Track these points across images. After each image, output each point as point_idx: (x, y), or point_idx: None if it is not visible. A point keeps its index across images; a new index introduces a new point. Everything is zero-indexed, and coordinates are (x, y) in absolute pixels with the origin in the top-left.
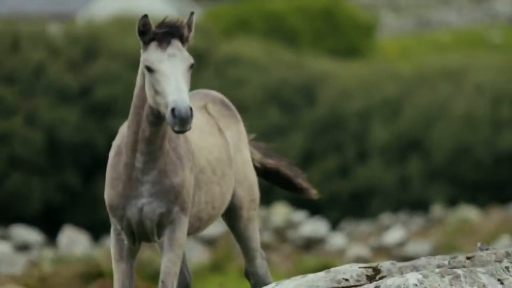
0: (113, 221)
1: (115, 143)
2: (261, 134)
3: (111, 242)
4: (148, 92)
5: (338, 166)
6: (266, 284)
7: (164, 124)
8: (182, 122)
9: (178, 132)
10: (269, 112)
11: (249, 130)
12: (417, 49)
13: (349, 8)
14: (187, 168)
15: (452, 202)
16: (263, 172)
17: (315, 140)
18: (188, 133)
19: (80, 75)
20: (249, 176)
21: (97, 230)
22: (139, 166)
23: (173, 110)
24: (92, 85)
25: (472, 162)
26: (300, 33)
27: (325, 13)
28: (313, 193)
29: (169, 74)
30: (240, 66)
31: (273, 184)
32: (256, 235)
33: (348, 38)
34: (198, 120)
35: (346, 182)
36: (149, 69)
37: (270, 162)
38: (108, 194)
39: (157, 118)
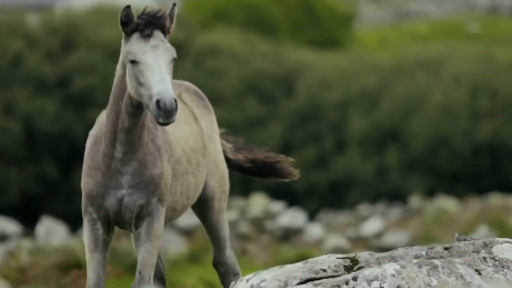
0: (88, 211)
1: (93, 133)
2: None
3: (84, 232)
4: (130, 83)
5: (316, 157)
6: (235, 273)
7: (143, 115)
8: (167, 114)
9: (162, 124)
10: (247, 103)
11: (228, 121)
12: (395, 39)
13: None
14: (165, 160)
15: (430, 193)
16: (235, 165)
17: (293, 131)
18: None
19: (58, 66)
20: (221, 167)
21: (75, 220)
22: (118, 156)
23: (158, 102)
24: (70, 76)
25: (450, 152)
26: (278, 23)
27: (303, 4)
28: (294, 174)
29: (153, 66)
30: (219, 57)
31: (250, 175)
32: (226, 226)
33: (327, 29)
34: None
35: (324, 172)
36: (132, 61)
37: (241, 155)
38: (87, 183)
39: (136, 109)
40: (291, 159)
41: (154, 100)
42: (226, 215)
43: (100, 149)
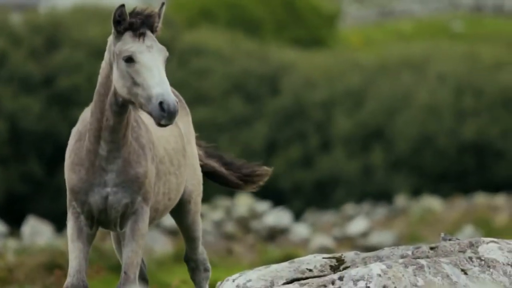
0: (72, 205)
1: (76, 129)
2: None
3: (68, 224)
4: (122, 82)
5: (301, 156)
6: (205, 269)
7: (128, 114)
8: (170, 115)
9: (162, 126)
10: (232, 102)
11: (213, 120)
12: (380, 38)
13: None
14: (149, 158)
15: (415, 192)
16: (207, 170)
17: (278, 130)
18: (148, 123)
19: (42, 65)
20: (198, 171)
21: (61, 220)
22: (103, 154)
23: (161, 103)
24: (55, 75)
25: (435, 152)
26: (263, 22)
27: (287, 3)
28: (267, 175)
29: (152, 66)
30: (204, 57)
31: (218, 181)
32: (201, 226)
33: (311, 28)
34: None
35: (310, 172)
36: (129, 60)
37: (210, 162)
38: (70, 178)
39: (121, 108)
40: (265, 167)
41: (156, 101)
42: (199, 215)
43: (84, 145)
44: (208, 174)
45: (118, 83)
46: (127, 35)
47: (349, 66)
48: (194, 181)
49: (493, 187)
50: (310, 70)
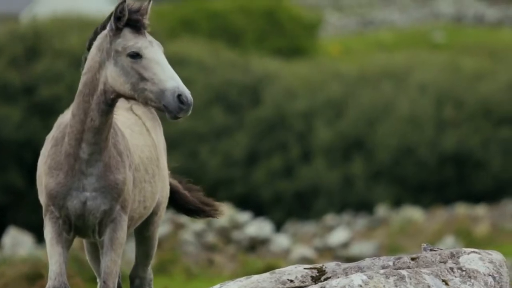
0: (49, 209)
1: (51, 136)
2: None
3: (46, 228)
4: (124, 79)
5: (282, 166)
6: (149, 287)
7: (112, 114)
8: (189, 107)
9: (176, 119)
10: (214, 112)
11: (194, 130)
12: (360, 48)
13: (291, 7)
14: (127, 165)
15: (396, 203)
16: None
17: (259, 140)
18: (124, 130)
19: (23, 74)
20: (167, 183)
21: (42, 231)
22: (84, 157)
23: (179, 96)
24: (36, 84)
25: (416, 162)
26: (243, 32)
27: (268, 13)
28: (217, 214)
29: (161, 61)
30: (186, 67)
31: (174, 205)
32: (156, 243)
33: (291, 38)
34: (128, 120)
35: (291, 182)
36: (136, 55)
37: (175, 182)
38: (48, 182)
39: (109, 106)
40: (221, 206)
41: (172, 94)
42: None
43: (61, 149)
44: (171, 193)
45: (118, 80)
46: (127, 32)
47: (330, 76)
48: (163, 193)
49: (474, 198)
50: (291, 80)
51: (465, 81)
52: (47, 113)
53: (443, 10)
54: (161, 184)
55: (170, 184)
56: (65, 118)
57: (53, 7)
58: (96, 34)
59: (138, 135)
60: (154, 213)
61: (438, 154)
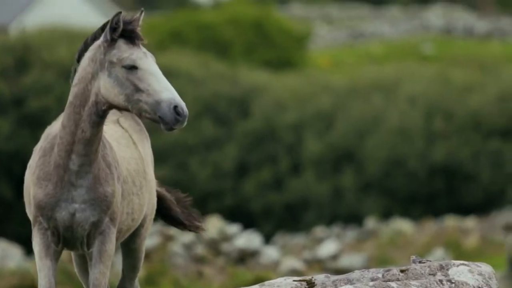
0: (38, 220)
1: (39, 146)
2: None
3: (34, 240)
4: (118, 90)
5: (272, 178)
6: None
7: (103, 125)
8: (185, 118)
9: (171, 130)
10: (203, 124)
11: (184, 142)
12: (350, 60)
13: (280, 19)
14: (115, 178)
15: (385, 215)
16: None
17: (249, 152)
18: (111, 143)
19: (13, 85)
20: (154, 194)
21: (31, 243)
22: (74, 168)
23: (176, 107)
24: (25, 96)
25: (405, 174)
26: (233, 44)
27: (257, 25)
28: (201, 229)
29: (155, 72)
30: (175, 79)
31: (161, 215)
32: (143, 255)
33: (280, 50)
34: (114, 132)
35: (280, 194)
36: (132, 67)
37: (164, 191)
38: (36, 193)
39: (101, 118)
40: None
41: (167, 106)
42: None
43: (50, 160)
44: (159, 203)
45: (112, 91)
46: (121, 43)
47: (320, 88)
48: (150, 205)
49: (463, 210)
50: (281, 92)
51: (455, 93)
52: (37, 124)
53: (433, 22)
54: (148, 196)
55: (158, 193)
56: (53, 129)
57: (42, 18)
58: (86, 45)
59: (125, 148)
60: (140, 225)
61: (427, 166)
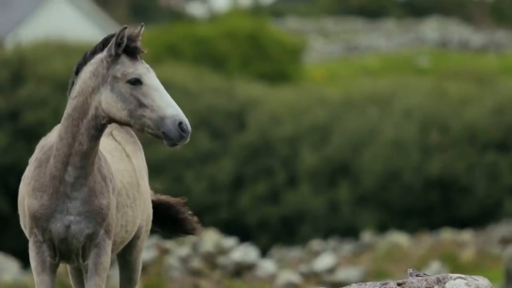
0: (33, 232)
1: (35, 158)
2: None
3: (31, 255)
4: (121, 105)
5: (268, 192)
6: None
7: (100, 139)
8: (188, 135)
9: (174, 146)
10: (199, 137)
11: (180, 156)
12: (345, 74)
13: (275, 32)
14: (110, 190)
15: (382, 228)
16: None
17: (245, 166)
18: (105, 155)
19: (8, 99)
20: (149, 206)
21: (27, 256)
22: (69, 180)
23: (180, 123)
24: (20, 109)
25: (401, 187)
26: (228, 57)
27: (252, 38)
28: (197, 230)
29: (160, 88)
30: (170, 92)
31: (157, 223)
32: (140, 267)
33: (276, 63)
34: (108, 145)
35: (276, 207)
36: (136, 82)
37: (162, 197)
38: (31, 204)
39: (99, 132)
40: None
41: (172, 122)
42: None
43: (46, 171)
44: (160, 210)
45: (114, 106)
46: (125, 58)
47: (315, 101)
48: (144, 216)
49: (459, 223)
50: (276, 105)
51: (450, 106)
52: (32, 137)
53: (428, 35)
54: (142, 207)
55: (159, 200)
56: (48, 140)
57: (38, 32)
58: (85, 58)
59: (119, 160)
60: (136, 237)
61: (423, 179)
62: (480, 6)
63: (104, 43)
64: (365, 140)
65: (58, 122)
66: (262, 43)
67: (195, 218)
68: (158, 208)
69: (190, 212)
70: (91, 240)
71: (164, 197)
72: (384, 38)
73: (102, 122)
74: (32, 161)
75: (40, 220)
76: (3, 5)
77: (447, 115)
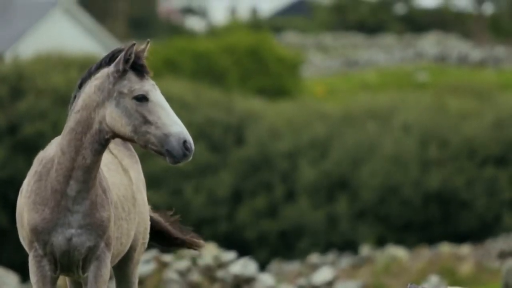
0: (34, 246)
1: (34, 171)
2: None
3: (31, 270)
4: (126, 120)
5: (267, 206)
6: None
7: (103, 153)
8: (191, 154)
9: (176, 164)
10: (197, 150)
11: (178, 168)
12: (344, 89)
13: (275, 47)
14: (111, 203)
15: (380, 242)
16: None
17: (244, 180)
18: (102, 168)
19: (7, 113)
20: (146, 218)
21: (26, 269)
22: (71, 194)
23: (185, 142)
24: (20, 122)
25: (400, 202)
26: (227, 72)
27: (252, 52)
28: (198, 245)
29: (164, 105)
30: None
31: (157, 240)
32: (137, 281)
33: (275, 77)
34: (104, 158)
35: (275, 221)
36: (142, 98)
37: (157, 216)
38: (32, 218)
39: (103, 147)
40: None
41: (177, 140)
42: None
43: (47, 185)
44: (152, 227)
45: (119, 121)
46: (131, 74)
47: (314, 116)
48: (141, 229)
49: (458, 237)
50: (275, 120)
51: (450, 120)
52: (31, 150)
53: (427, 50)
54: (138, 220)
55: (152, 217)
56: (47, 153)
57: (37, 46)
58: (90, 73)
59: (115, 173)
60: (132, 249)
61: (422, 193)
62: (479, 21)
63: (111, 58)
64: (364, 154)
65: (57, 134)
66: (262, 58)
67: (192, 235)
68: (156, 227)
69: (185, 232)
70: (92, 252)
71: (161, 218)
72: (383, 53)
73: (106, 137)
74: (32, 174)
75: (42, 234)
76: (2, 20)
77: (446, 130)
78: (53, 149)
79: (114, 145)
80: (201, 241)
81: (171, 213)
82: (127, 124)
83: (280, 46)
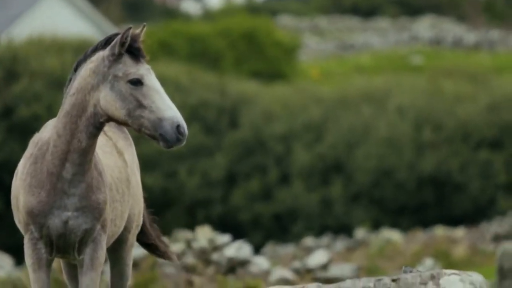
0: (29, 229)
1: (29, 153)
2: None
3: (26, 252)
4: (120, 104)
5: (261, 189)
6: None
7: (98, 136)
8: (184, 139)
9: (169, 148)
10: (191, 131)
11: (172, 150)
12: (339, 72)
13: (271, 30)
14: (106, 185)
15: (375, 225)
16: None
17: (238, 162)
18: (97, 151)
19: (2, 96)
20: (140, 201)
21: (21, 252)
22: (67, 177)
23: (178, 126)
24: (15, 105)
25: (394, 185)
26: (222, 55)
27: (247, 36)
28: (172, 259)
29: (160, 90)
30: (162, 87)
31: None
32: (131, 263)
33: (271, 61)
34: (99, 141)
35: (269, 205)
36: (137, 82)
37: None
38: (28, 201)
39: (98, 130)
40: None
41: (170, 124)
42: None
43: (43, 167)
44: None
45: (113, 105)
46: (127, 58)
47: (309, 99)
48: (135, 211)
49: (452, 220)
50: (270, 103)
51: (444, 104)
52: (26, 133)
53: (422, 34)
54: (132, 202)
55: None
56: (43, 135)
57: (32, 29)
58: (86, 56)
59: (109, 156)
60: (127, 231)
61: (417, 176)
62: (473, 4)
63: (107, 41)
64: (358, 138)
65: (52, 117)
66: (258, 41)
67: (165, 244)
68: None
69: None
70: (88, 235)
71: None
72: (378, 37)
73: (101, 120)
74: (27, 156)
75: (38, 217)
76: None
77: (441, 113)
78: (48, 132)
79: (109, 128)
80: (176, 258)
81: (151, 210)
82: (121, 107)
83: (275, 29)
